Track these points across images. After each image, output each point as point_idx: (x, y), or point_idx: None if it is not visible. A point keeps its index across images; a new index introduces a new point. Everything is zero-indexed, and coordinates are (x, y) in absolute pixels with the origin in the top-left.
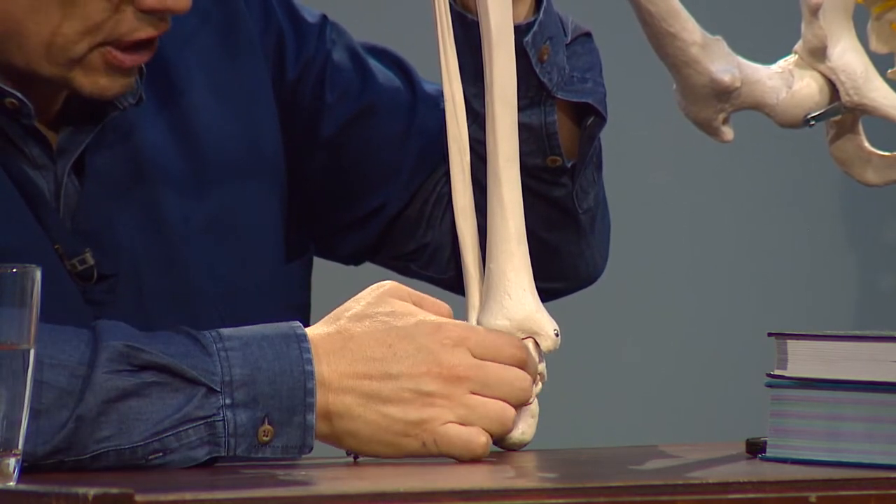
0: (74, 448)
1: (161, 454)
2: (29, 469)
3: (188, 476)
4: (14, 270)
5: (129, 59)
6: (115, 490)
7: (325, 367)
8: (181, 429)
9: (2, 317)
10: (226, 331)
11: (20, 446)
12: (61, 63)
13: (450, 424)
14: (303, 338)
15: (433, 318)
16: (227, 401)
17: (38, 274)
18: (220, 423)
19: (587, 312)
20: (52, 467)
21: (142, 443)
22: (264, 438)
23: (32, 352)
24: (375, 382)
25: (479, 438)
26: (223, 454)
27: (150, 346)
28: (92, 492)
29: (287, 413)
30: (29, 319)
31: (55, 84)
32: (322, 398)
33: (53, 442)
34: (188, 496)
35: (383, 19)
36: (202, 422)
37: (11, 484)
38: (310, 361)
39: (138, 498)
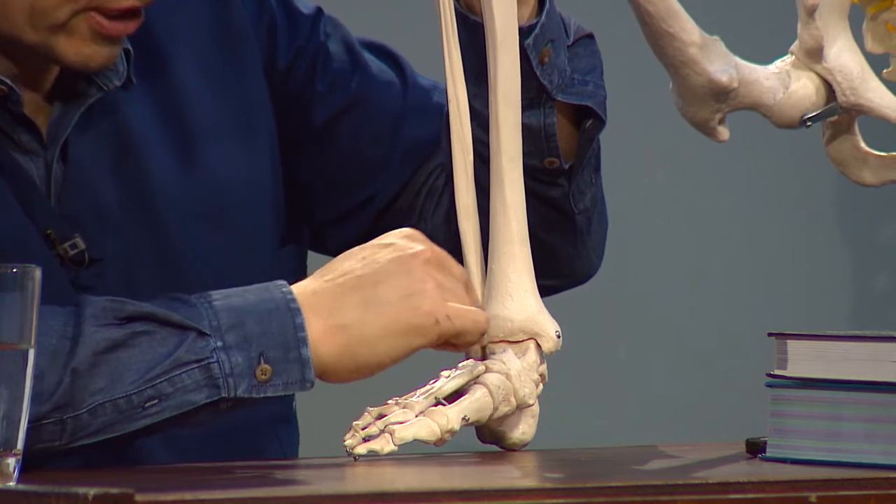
0: (72, 404)
1: (156, 401)
2: (30, 462)
3: (188, 476)
4: (14, 270)
5: (113, 27)
6: (115, 490)
7: (306, 294)
8: (174, 374)
9: (2, 317)
10: (207, 292)
11: (20, 446)
12: (44, 28)
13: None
14: (283, 284)
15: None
16: (219, 343)
17: (38, 273)
18: (215, 364)
19: (587, 312)
20: (56, 432)
21: (135, 391)
22: (262, 377)
23: (32, 352)
24: (356, 272)
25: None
26: (224, 395)
27: (133, 301)
28: (92, 492)
29: (282, 350)
30: (29, 319)
31: (40, 53)
32: (316, 320)
33: (53, 400)
34: (188, 496)
35: (387, 19)
36: (195, 366)
37: (11, 484)
38: (293, 300)
39: (138, 498)
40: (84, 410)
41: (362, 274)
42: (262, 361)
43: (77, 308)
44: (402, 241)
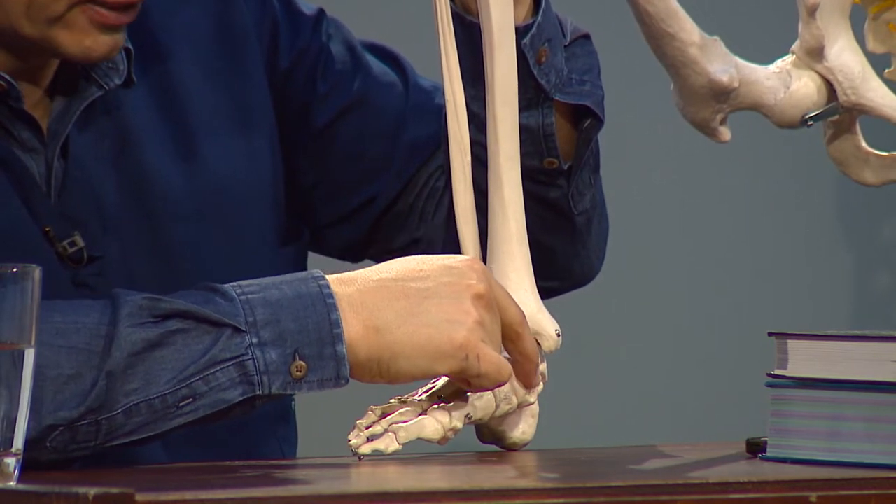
0: (106, 406)
1: (191, 400)
2: (31, 462)
3: (188, 476)
4: (14, 270)
5: (112, 16)
6: (115, 490)
7: (346, 289)
8: (208, 372)
9: (2, 317)
10: (244, 281)
11: (20, 446)
12: (41, 21)
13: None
14: (320, 277)
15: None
16: (255, 340)
17: (38, 273)
18: (250, 361)
19: (587, 312)
20: (84, 436)
21: (170, 390)
22: (297, 374)
23: (32, 352)
24: (409, 281)
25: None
26: (259, 392)
27: (170, 297)
28: (92, 492)
29: (317, 346)
30: (29, 319)
31: (40, 46)
32: (353, 318)
33: (87, 403)
34: (188, 496)
35: (384, 20)
36: (231, 363)
37: (11, 484)
38: (330, 295)
39: (138, 498)
40: (119, 411)
41: (415, 286)
42: (297, 358)
43: (112, 305)
44: (465, 270)
